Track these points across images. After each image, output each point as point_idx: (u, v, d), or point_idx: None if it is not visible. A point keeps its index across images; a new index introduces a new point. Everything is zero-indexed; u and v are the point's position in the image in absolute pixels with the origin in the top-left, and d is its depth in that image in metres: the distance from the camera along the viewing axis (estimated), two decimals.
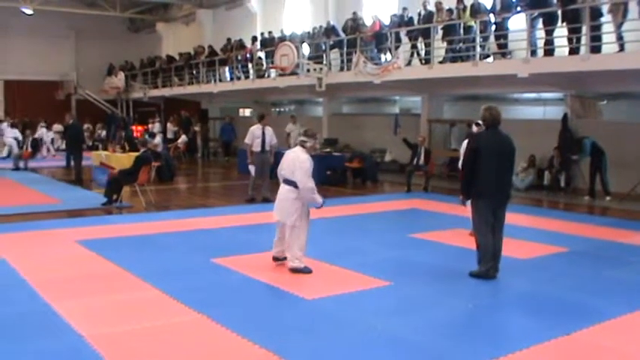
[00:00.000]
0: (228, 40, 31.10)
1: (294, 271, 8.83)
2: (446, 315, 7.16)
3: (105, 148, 24.66)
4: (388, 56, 21.64)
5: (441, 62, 19.81)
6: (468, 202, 9.04)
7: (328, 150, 21.95)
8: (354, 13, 24.11)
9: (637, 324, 6.94)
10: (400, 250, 10.56)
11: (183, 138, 30.26)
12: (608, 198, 16.94)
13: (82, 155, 20.15)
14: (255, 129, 15.71)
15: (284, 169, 9.02)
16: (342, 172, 21.10)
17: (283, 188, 8.97)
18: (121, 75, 38.17)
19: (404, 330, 6.56)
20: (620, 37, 15.59)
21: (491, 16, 18.51)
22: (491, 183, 8.54)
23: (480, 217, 8.74)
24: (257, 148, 15.58)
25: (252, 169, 15.88)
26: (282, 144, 20.10)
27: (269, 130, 15.79)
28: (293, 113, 27.92)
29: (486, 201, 8.63)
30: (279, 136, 17.46)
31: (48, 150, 31.26)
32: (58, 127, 33.24)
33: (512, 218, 13.87)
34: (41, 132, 30.96)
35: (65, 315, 6.84)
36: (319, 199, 8.91)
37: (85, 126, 34.56)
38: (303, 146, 9.02)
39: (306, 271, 8.84)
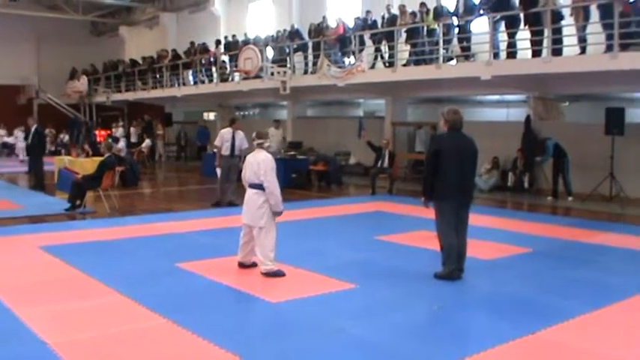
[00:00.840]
0: (192, 43, 30.98)
1: (268, 274, 8.78)
2: (411, 316, 7.18)
3: (68, 153, 24.44)
4: (352, 59, 21.70)
5: (404, 65, 19.91)
6: (431, 204, 8.97)
7: (293, 153, 21.94)
8: (324, 18, 24.13)
9: (599, 322, 7.01)
10: (365, 252, 10.58)
11: (147, 142, 30.09)
12: (570, 198, 17.13)
13: (42, 160, 19.87)
14: (226, 132, 15.70)
15: (247, 173, 9.00)
16: (306, 175, 21.12)
17: (250, 192, 8.95)
18: (84, 79, 37.81)
19: (369, 332, 6.57)
20: (582, 40, 15.80)
21: (454, 19, 18.64)
22: (453, 185, 8.57)
23: (442, 219, 8.78)
24: (226, 151, 15.54)
25: (218, 172, 15.84)
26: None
27: (239, 135, 15.76)
28: (277, 117, 27.40)
29: (449, 203, 8.69)
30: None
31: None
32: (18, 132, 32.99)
33: (476, 219, 13.95)
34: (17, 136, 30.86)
35: (28, 322, 6.75)
36: (282, 206, 8.92)
37: (47, 130, 34.24)
38: (261, 147, 9.01)
39: (279, 274, 8.81)
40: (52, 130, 35.95)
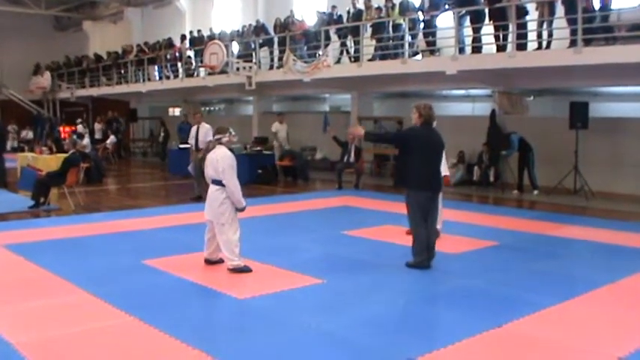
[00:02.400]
0: (158, 41, 30.80)
1: (234, 270, 8.75)
2: (379, 311, 7.18)
3: (31, 150, 24.18)
4: (318, 54, 21.68)
5: (370, 60, 19.92)
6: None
7: (259, 149, 21.87)
8: (291, 12, 24.11)
9: (565, 314, 7.07)
10: (332, 247, 10.58)
11: (111, 139, 29.77)
12: (536, 192, 17.27)
13: (3, 157, 19.54)
14: (192, 128, 15.88)
15: (209, 169, 8.95)
16: (272, 171, 21.09)
17: (212, 188, 8.91)
18: (47, 75, 37.36)
19: (337, 327, 6.57)
20: (548, 35, 15.94)
21: (420, 14, 18.68)
22: (422, 175, 8.91)
23: (412, 210, 9.04)
24: (192, 146, 15.72)
25: (190, 168, 15.86)
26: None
27: (204, 128, 15.77)
28: (281, 111, 26.34)
29: (418, 193, 8.96)
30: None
31: None
32: None
33: (443, 213, 14.06)
34: None
35: None
36: (244, 202, 8.89)
37: (10, 127, 33.86)
38: (220, 143, 8.97)
39: (246, 270, 8.79)
40: (15, 126, 35.51)
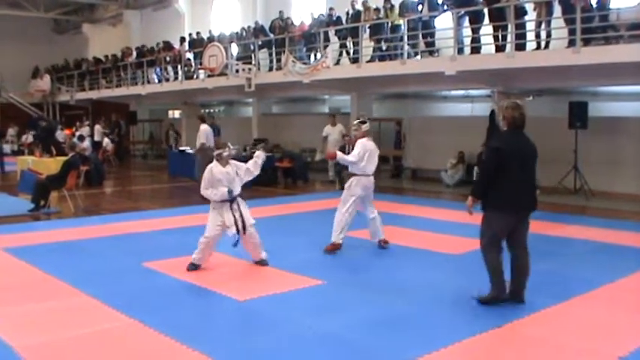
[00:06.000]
0: (157, 44, 30.82)
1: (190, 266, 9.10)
2: (378, 312, 7.18)
3: (31, 153, 24.18)
4: (318, 56, 21.69)
5: (369, 61, 19.92)
6: (478, 209, 7.49)
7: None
8: (281, 12, 24.17)
9: (565, 314, 7.09)
10: None
11: (106, 141, 29.52)
12: (537, 192, 17.24)
13: None
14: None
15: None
16: (272, 172, 21.07)
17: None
18: (47, 78, 37.41)
19: (337, 328, 6.58)
20: (547, 35, 15.95)
21: (420, 9, 18.67)
22: (513, 195, 7.27)
23: (489, 233, 7.39)
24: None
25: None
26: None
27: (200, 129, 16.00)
28: (334, 112, 24.50)
29: (504, 215, 7.32)
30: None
31: None
32: None
33: (443, 214, 14.09)
34: None
35: None
36: (218, 194, 8.98)
37: (10, 130, 33.88)
38: (219, 159, 9.15)
39: (190, 268, 9.04)
40: (15, 127, 35.50)
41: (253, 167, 9.39)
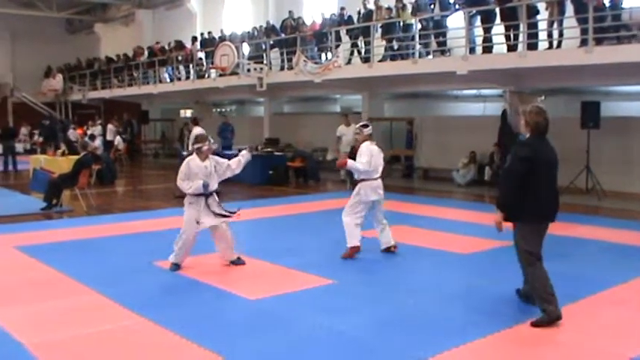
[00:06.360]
0: (169, 43, 30.88)
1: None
2: (390, 311, 7.18)
3: (43, 152, 24.27)
4: (329, 55, 21.70)
5: (380, 60, 19.90)
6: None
7: (270, 150, 21.90)
8: (290, 12, 24.19)
9: (576, 314, 7.05)
10: (344, 247, 10.54)
11: (118, 139, 29.56)
12: None
13: None
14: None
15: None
16: (284, 172, 21.09)
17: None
18: (59, 77, 37.53)
19: (349, 327, 6.58)
20: (559, 34, 15.90)
21: (433, 11, 18.66)
22: (544, 203, 6.96)
23: (531, 245, 6.99)
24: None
25: None
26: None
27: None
28: (346, 112, 24.33)
29: (541, 224, 7.07)
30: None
31: None
32: None
33: (454, 214, 14.06)
34: None
35: (4, 323, 6.69)
36: (194, 186, 8.99)
37: (23, 129, 34.00)
38: (198, 153, 9.12)
39: (173, 268, 9.09)
40: (28, 126, 35.62)
41: (235, 165, 9.34)
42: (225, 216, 9.10)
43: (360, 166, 9.82)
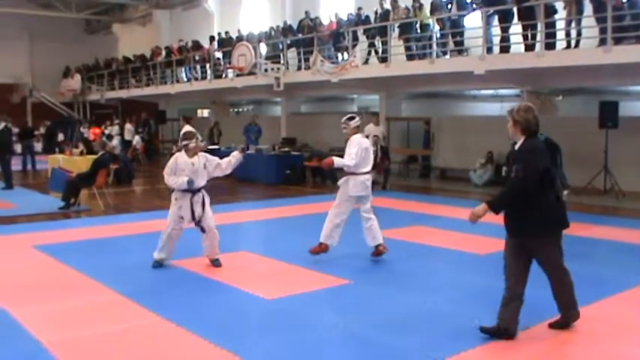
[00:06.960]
0: (186, 43, 30.95)
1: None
2: (406, 312, 7.17)
3: (62, 152, 24.40)
4: (346, 55, 21.70)
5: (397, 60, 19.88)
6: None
7: (287, 149, 21.93)
8: (307, 13, 24.21)
9: (596, 315, 7.01)
10: (360, 248, 10.51)
11: (136, 139, 29.65)
12: (566, 192, 17.05)
13: (7, 159, 19.04)
14: None
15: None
16: (301, 172, 21.11)
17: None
18: (78, 77, 37.72)
19: (364, 328, 6.58)
20: (577, 33, 15.83)
21: (451, 10, 18.63)
22: (557, 208, 6.39)
23: (557, 256, 6.49)
24: None
25: None
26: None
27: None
28: (376, 110, 23.96)
29: (558, 232, 6.45)
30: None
31: None
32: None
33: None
34: None
35: (22, 321, 6.75)
36: (178, 182, 9.02)
37: (41, 129, 34.15)
38: (186, 150, 9.12)
39: (154, 266, 9.20)
40: (47, 123, 35.78)
41: (225, 165, 9.33)
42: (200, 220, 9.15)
43: (348, 162, 9.49)
